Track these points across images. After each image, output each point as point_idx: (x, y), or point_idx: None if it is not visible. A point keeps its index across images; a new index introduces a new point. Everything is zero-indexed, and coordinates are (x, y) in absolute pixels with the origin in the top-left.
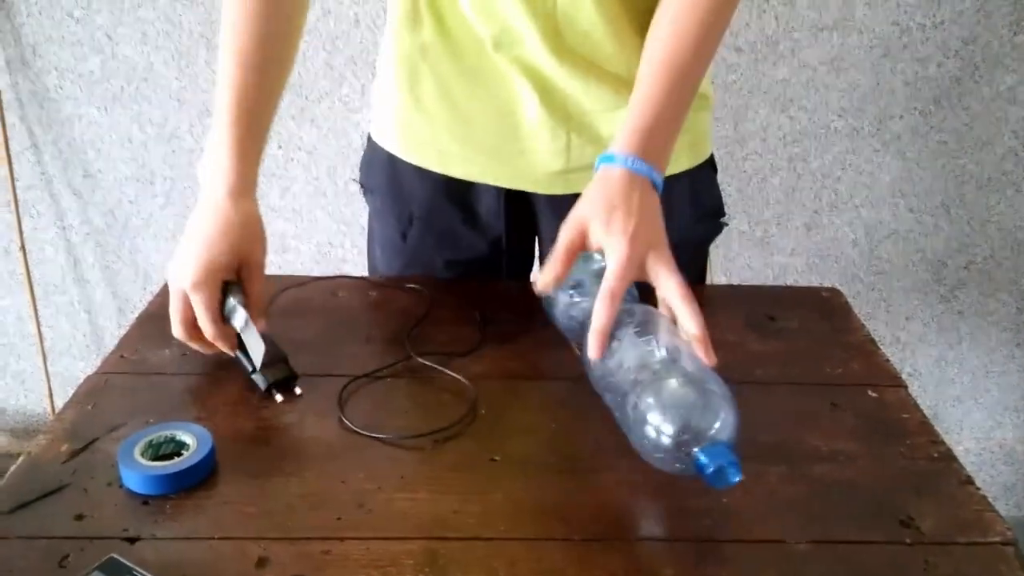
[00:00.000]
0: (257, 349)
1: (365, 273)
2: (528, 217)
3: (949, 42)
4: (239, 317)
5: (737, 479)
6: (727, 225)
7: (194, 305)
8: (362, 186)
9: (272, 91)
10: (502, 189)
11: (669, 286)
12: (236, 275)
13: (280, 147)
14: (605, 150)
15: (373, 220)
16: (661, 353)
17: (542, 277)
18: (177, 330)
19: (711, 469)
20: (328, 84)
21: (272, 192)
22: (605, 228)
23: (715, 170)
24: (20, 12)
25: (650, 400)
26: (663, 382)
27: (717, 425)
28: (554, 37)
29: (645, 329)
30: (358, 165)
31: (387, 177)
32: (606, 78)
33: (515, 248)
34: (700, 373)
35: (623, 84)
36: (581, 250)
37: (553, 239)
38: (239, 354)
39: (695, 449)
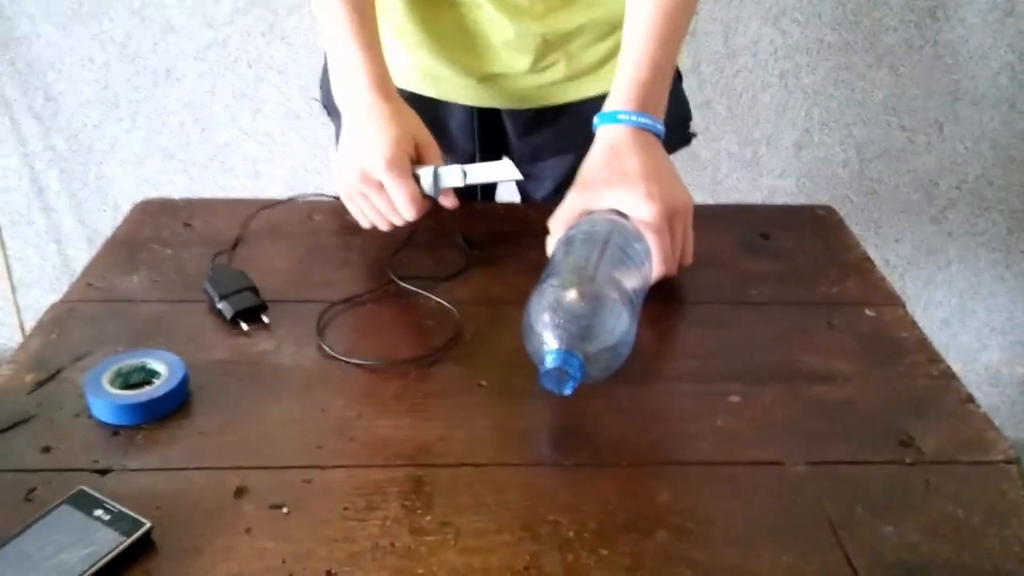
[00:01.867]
0: (500, 170)
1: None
2: (498, 134)
3: None
4: (450, 171)
5: (563, 391)
6: (695, 135)
7: (390, 184)
8: (325, 107)
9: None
10: (472, 108)
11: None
12: (415, 155)
13: (250, 66)
14: (609, 107)
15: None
16: (588, 265)
17: (550, 239)
18: (376, 222)
19: (546, 367)
20: None
21: (243, 114)
22: (625, 193)
23: (679, 78)
24: None
25: (547, 287)
26: (566, 283)
27: (580, 336)
28: None
29: (599, 239)
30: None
31: None
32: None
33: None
34: (606, 295)
35: (592, 4)
36: (582, 213)
37: (522, 155)
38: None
39: (550, 346)
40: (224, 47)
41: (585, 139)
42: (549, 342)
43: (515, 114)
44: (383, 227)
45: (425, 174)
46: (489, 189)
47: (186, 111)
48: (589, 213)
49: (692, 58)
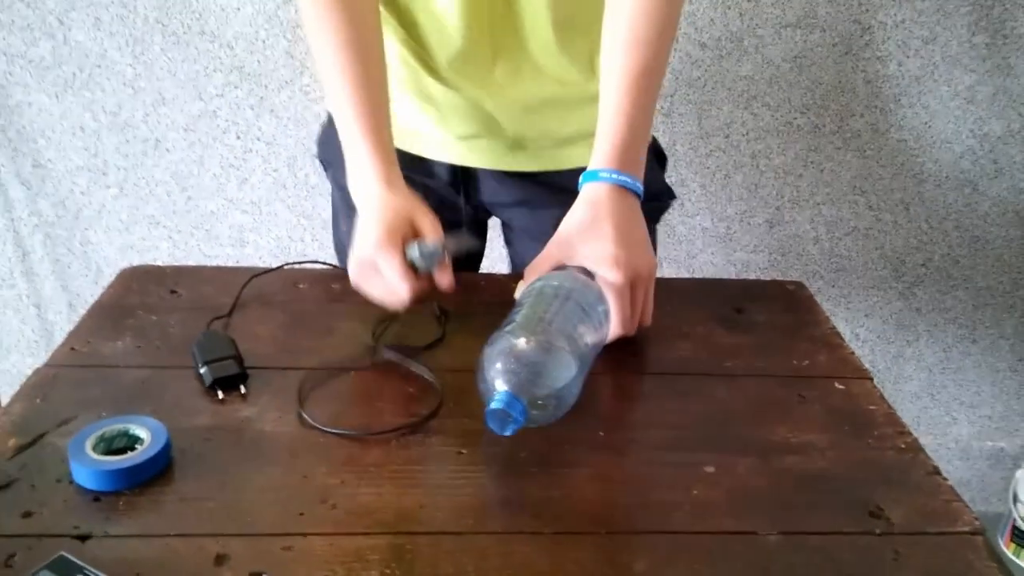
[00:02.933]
0: (464, 243)
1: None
2: (478, 190)
3: (909, 41)
4: (430, 248)
5: (504, 432)
6: (674, 198)
7: (382, 263)
8: (322, 162)
9: (384, 77)
10: (455, 165)
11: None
12: (412, 234)
13: (238, 138)
14: (588, 166)
15: (336, 194)
16: (546, 315)
17: (521, 286)
18: (386, 296)
19: (491, 407)
20: (288, 73)
21: (230, 184)
22: (595, 254)
23: (659, 157)
24: None
25: (502, 332)
26: (520, 330)
27: (528, 381)
28: (503, 52)
29: (562, 293)
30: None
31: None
32: (548, 78)
33: (471, 219)
34: (555, 344)
35: (564, 82)
36: (556, 266)
37: (504, 208)
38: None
39: (498, 388)
40: (214, 119)
41: (561, 199)
42: (497, 384)
43: (492, 171)
44: (393, 306)
45: (412, 254)
46: (475, 256)
47: (174, 180)
48: (562, 266)
49: (667, 138)
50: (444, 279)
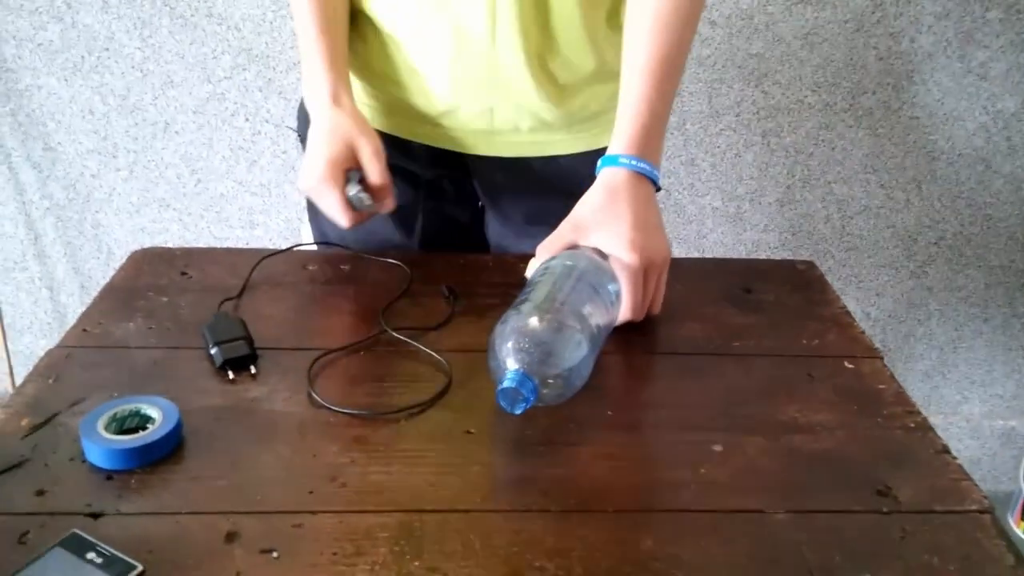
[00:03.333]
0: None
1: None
2: (461, 174)
3: (922, 17)
4: (358, 198)
5: (514, 410)
6: (658, 189)
7: (321, 201)
8: (300, 137)
9: (345, 6)
10: (432, 147)
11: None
12: (355, 163)
13: (247, 120)
14: (613, 150)
15: None
16: (558, 295)
17: (532, 264)
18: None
19: (503, 386)
20: (296, 55)
21: (239, 166)
22: (611, 237)
23: None
24: None
25: (514, 312)
26: (532, 309)
27: (539, 360)
28: (492, 20)
29: (574, 273)
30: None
31: None
32: (531, 52)
33: (451, 198)
34: (567, 324)
35: (545, 57)
36: (568, 246)
37: (487, 198)
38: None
39: (509, 367)
40: (222, 101)
41: (543, 189)
42: (509, 363)
43: (475, 156)
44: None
45: (349, 193)
46: (480, 235)
47: (183, 163)
48: (575, 247)
49: (677, 117)
50: (384, 206)
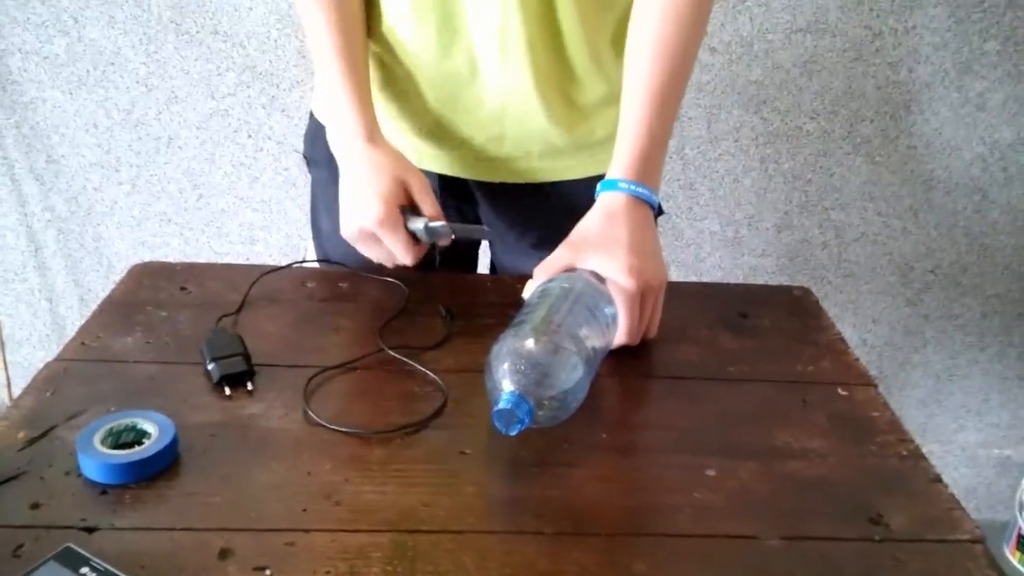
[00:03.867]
0: (480, 231)
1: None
2: (467, 201)
3: (920, 48)
4: (438, 229)
5: (510, 431)
6: (662, 213)
7: (386, 240)
8: (306, 158)
9: (364, 40)
10: (438, 174)
11: (625, 323)
12: (406, 200)
13: (249, 136)
14: (612, 175)
15: (317, 190)
16: (555, 317)
17: (529, 285)
18: (386, 261)
19: (498, 407)
20: (299, 73)
21: (241, 182)
22: (609, 261)
23: None
24: None
25: (511, 333)
26: (529, 331)
27: (535, 382)
28: (497, 35)
29: (571, 296)
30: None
31: (332, 152)
32: (541, 78)
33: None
34: (563, 346)
35: (557, 82)
36: (566, 268)
37: (495, 224)
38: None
39: (505, 388)
40: (226, 117)
41: (550, 215)
42: (505, 384)
43: (482, 183)
44: (392, 266)
45: (417, 227)
46: (471, 259)
47: (185, 178)
48: (572, 269)
49: (677, 141)
50: (445, 241)
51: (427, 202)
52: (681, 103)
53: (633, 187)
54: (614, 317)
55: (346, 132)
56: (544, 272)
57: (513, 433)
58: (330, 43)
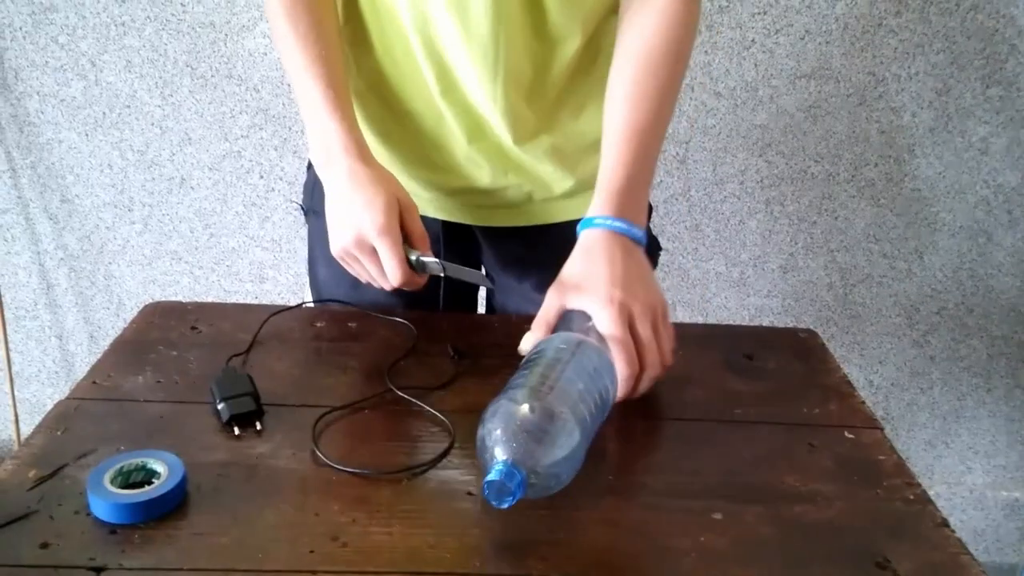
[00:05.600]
0: (473, 275)
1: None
2: (469, 246)
3: (923, 93)
4: (432, 263)
5: (501, 504)
6: (660, 248)
7: (383, 251)
8: (304, 210)
9: (343, 64)
10: (441, 220)
11: (619, 359)
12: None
13: (261, 177)
14: (591, 212)
15: (315, 242)
16: (546, 381)
17: (526, 339)
18: (375, 278)
19: (489, 478)
20: None
21: (252, 221)
22: (588, 295)
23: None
24: (4, 36)
25: (505, 397)
26: (523, 396)
27: (529, 450)
28: (492, 81)
29: (564, 356)
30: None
31: None
32: (541, 118)
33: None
34: (558, 412)
35: (552, 125)
36: (558, 317)
37: (495, 267)
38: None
39: (497, 458)
40: (238, 159)
41: (552, 256)
42: (497, 453)
43: (483, 227)
44: (377, 287)
45: (411, 254)
46: (472, 300)
47: (197, 217)
48: (565, 311)
49: (683, 183)
50: (423, 279)
51: (416, 229)
52: (661, 144)
53: (609, 222)
54: (615, 378)
55: (335, 151)
56: (539, 325)
57: (504, 507)
58: (309, 62)
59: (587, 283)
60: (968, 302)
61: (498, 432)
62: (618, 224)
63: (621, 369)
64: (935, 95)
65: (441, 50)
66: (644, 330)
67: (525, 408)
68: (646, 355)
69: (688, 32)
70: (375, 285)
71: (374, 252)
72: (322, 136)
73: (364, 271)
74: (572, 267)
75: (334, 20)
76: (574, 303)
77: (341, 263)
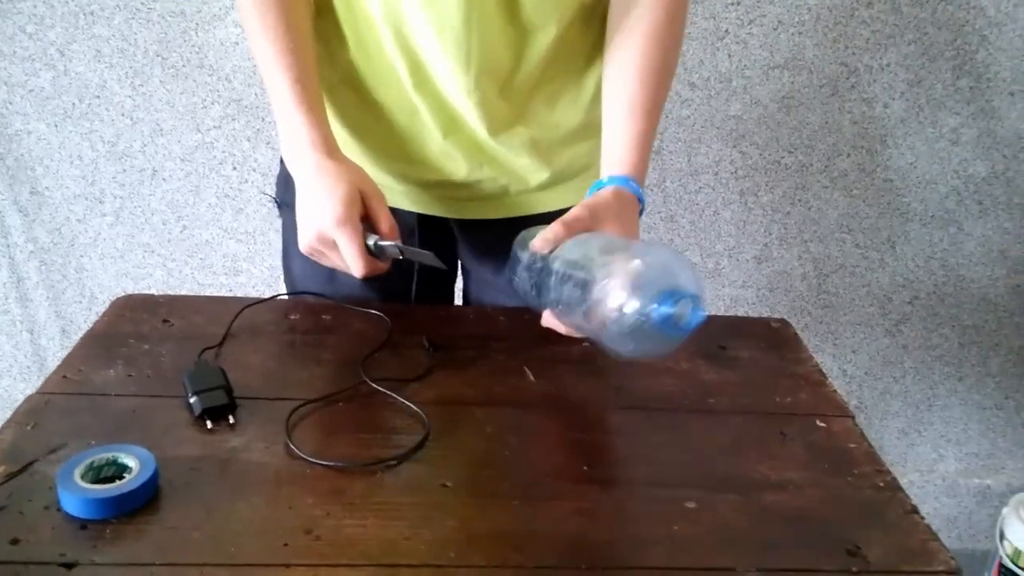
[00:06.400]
0: (427, 257)
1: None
2: (444, 238)
3: (895, 84)
4: (389, 247)
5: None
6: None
7: (342, 242)
8: (278, 203)
9: (313, 55)
10: (416, 213)
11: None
12: (364, 213)
13: (235, 168)
14: (612, 172)
15: (289, 235)
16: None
17: (542, 235)
18: (347, 266)
19: (670, 306)
20: None
21: (225, 213)
22: (610, 229)
23: None
24: None
25: (626, 265)
26: (636, 255)
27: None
28: (466, 73)
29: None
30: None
31: None
32: (516, 110)
33: (427, 269)
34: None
35: (527, 117)
36: (583, 230)
37: (471, 259)
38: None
39: (661, 305)
40: (211, 150)
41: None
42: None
43: (459, 220)
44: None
45: (369, 239)
46: (448, 293)
47: (169, 209)
48: (582, 228)
49: (658, 174)
50: (387, 260)
51: (383, 218)
52: (659, 123)
53: (634, 186)
54: None
55: (302, 145)
56: (560, 227)
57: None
58: (278, 54)
59: (622, 224)
60: (940, 291)
61: (628, 288)
62: (638, 189)
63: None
64: (907, 86)
65: (413, 42)
66: None
67: (637, 261)
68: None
69: (681, 8)
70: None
71: (335, 245)
72: (289, 130)
73: (332, 264)
74: (608, 203)
75: (305, 11)
76: (608, 231)
77: (311, 257)
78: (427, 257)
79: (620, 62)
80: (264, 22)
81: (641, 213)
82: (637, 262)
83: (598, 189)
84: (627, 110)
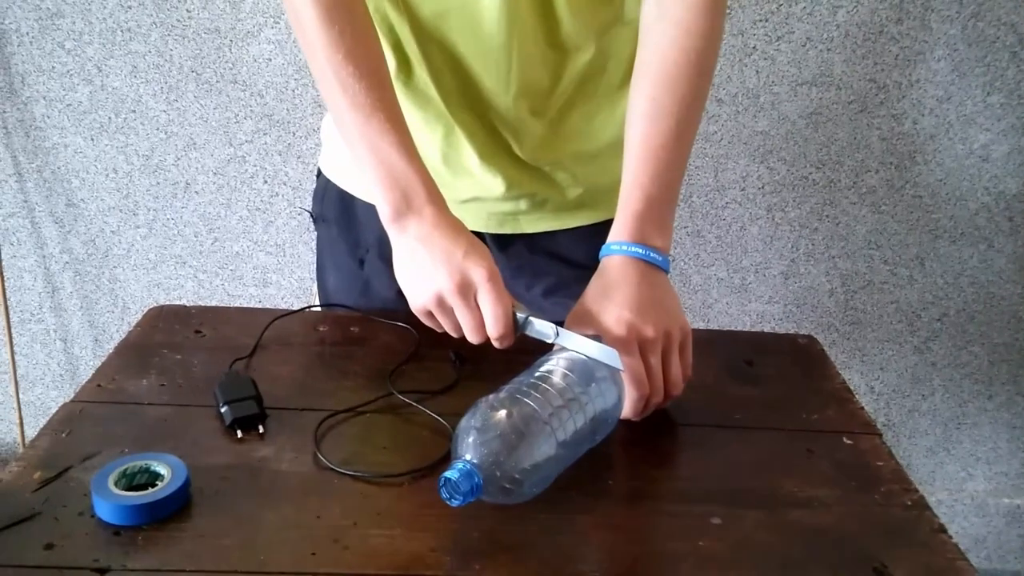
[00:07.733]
0: (550, 327)
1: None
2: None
3: (924, 100)
4: (540, 326)
5: (451, 502)
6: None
7: (491, 298)
8: (314, 218)
9: (387, 72)
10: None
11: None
12: None
13: (266, 182)
14: (610, 239)
15: (324, 249)
16: (540, 387)
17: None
18: (474, 326)
19: (445, 476)
20: (315, 120)
21: (256, 226)
22: (603, 322)
23: None
24: (11, 42)
25: (481, 404)
26: (502, 404)
27: (495, 457)
28: (505, 93)
29: (571, 370)
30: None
31: (340, 211)
32: (553, 127)
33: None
34: (539, 422)
35: (564, 134)
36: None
37: (504, 273)
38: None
39: (461, 459)
40: (243, 164)
41: (561, 262)
42: (463, 451)
43: (495, 235)
44: (456, 336)
45: (518, 314)
46: None
47: (201, 221)
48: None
49: (685, 189)
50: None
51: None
52: (686, 161)
53: (626, 247)
54: (614, 392)
55: (417, 199)
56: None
57: (454, 504)
58: (356, 81)
59: (599, 307)
60: (969, 309)
61: (472, 430)
62: (635, 249)
63: (629, 391)
64: (936, 102)
65: (453, 63)
66: (653, 355)
67: (502, 413)
68: (652, 381)
69: (710, 44)
70: (456, 335)
71: (473, 300)
72: (393, 180)
73: (451, 322)
74: (587, 295)
75: (373, 25)
76: (587, 330)
77: (422, 318)
78: (596, 348)
79: (633, 102)
80: (342, 40)
81: (658, 264)
82: (460, 428)
83: (600, 259)
84: (634, 157)
